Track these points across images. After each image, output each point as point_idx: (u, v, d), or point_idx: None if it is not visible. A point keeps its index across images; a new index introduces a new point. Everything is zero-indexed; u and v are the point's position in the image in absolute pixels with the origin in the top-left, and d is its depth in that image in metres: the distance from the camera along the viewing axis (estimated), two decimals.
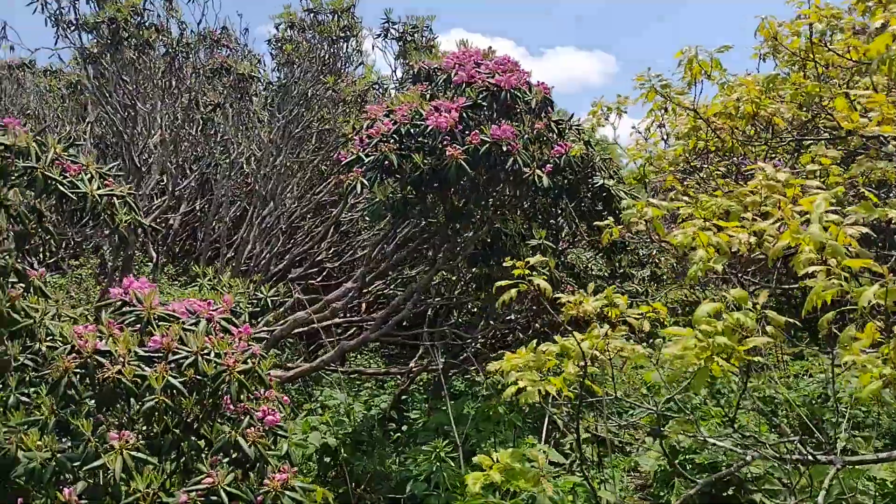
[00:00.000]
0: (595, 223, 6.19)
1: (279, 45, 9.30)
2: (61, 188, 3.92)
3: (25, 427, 3.52)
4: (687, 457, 4.66)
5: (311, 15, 8.28)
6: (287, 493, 3.39)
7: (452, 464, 4.42)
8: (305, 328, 6.98)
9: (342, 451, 5.11)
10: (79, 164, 4.08)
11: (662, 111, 5.53)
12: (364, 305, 7.06)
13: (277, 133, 8.37)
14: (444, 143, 4.71)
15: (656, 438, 5.12)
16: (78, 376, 3.37)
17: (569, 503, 4.12)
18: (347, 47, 8.56)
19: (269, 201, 8.14)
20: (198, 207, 9.35)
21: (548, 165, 4.81)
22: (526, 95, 4.90)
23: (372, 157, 4.94)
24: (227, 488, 3.27)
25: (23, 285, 4.07)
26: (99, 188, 4.10)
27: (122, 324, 3.67)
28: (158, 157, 8.34)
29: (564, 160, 4.87)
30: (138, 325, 3.64)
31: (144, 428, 3.42)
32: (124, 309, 3.83)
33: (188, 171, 9.04)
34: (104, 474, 3.21)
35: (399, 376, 7.33)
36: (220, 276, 7.16)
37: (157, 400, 3.30)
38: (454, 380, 7.77)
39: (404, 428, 6.53)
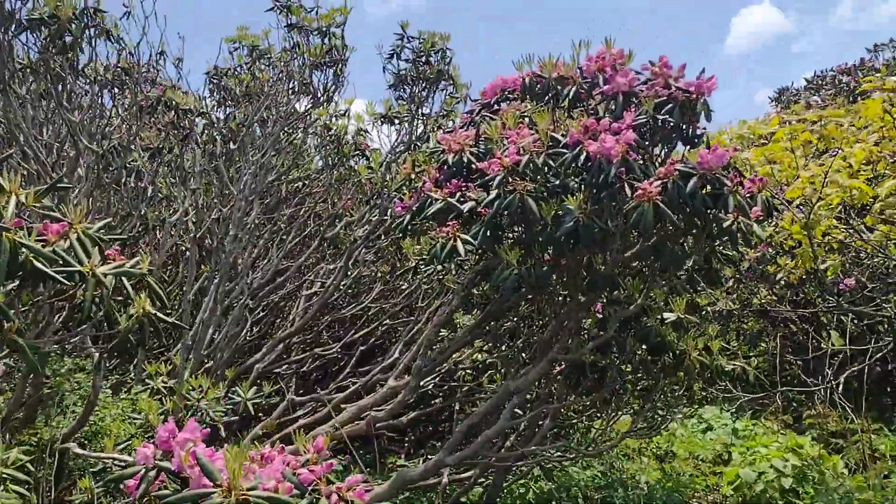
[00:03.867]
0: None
1: (230, 73, 7.57)
2: (39, 264, 2.16)
3: None
4: None
5: (290, 33, 6.65)
6: None
7: None
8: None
9: None
10: (62, 222, 2.34)
11: None
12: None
13: (245, 185, 6.60)
14: (618, 177, 3.21)
15: None
16: None
17: None
18: (331, 75, 6.92)
19: (241, 270, 6.32)
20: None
21: (754, 209, 3.41)
22: (706, 108, 3.52)
23: (497, 201, 3.37)
24: None
25: None
26: (101, 263, 2.35)
27: None
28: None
29: (762, 200, 3.49)
30: None
31: None
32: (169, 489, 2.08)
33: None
34: None
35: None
36: (179, 373, 5.35)
37: None
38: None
39: None
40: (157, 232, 6.87)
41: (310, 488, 2.16)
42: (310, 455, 2.51)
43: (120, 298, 2.57)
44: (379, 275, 7.16)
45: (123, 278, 2.40)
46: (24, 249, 2.14)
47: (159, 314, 2.58)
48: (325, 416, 5.02)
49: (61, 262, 2.23)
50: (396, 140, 6.18)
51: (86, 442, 4.55)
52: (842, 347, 6.26)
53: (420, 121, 6.21)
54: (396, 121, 6.26)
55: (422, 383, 5.14)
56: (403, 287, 6.98)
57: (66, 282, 2.19)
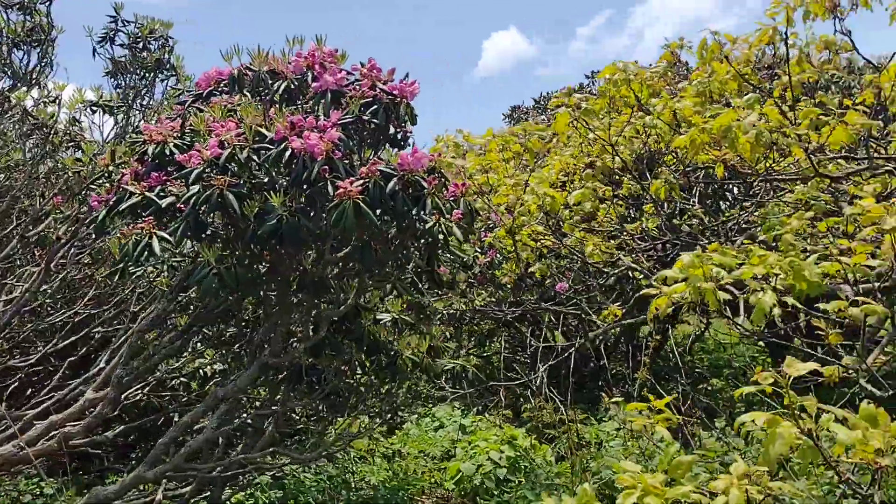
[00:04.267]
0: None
1: None
2: None
3: None
4: None
5: None
6: None
7: None
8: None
9: None
10: None
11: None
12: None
13: None
14: (322, 175, 3.16)
15: None
16: None
17: None
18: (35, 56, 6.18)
19: None
20: None
21: (455, 212, 3.54)
22: (410, 111, 3.60)
23: (195, 196, 3.17)
24: None
25: None
26: None
27: None
28: None
29: (464, 204, 3.64)
30: None
31: None
32: None
33: None
34: None
35: None
36: None
37: None
38: None
39: None
40: None
41: None
42: None
43: None
44: (98, 278, 6.54)
45: None
46: None
47: None
48: (11, 435, 4.44)
49: None
50: (110, 132, 5.68)
51: None
52: (551, 345, 6.80)
53: (139, 112, 5.76)
54: (113, 111, 5.74)
55: (127, 394, 4.75)
56: (127, 292, 6.44)
57: None
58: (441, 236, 3.44)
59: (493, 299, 7.35)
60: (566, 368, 8.08)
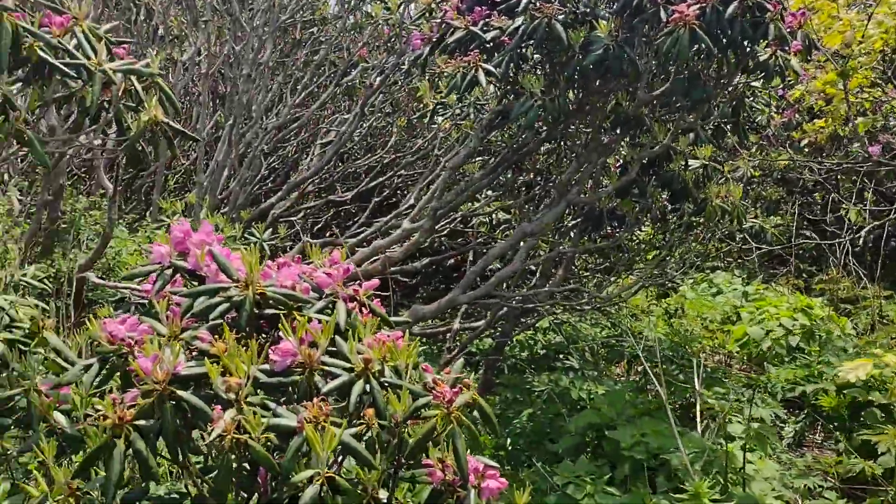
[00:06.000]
0: None
1: None
2: (44, 55, 2.06)
3: None
4: None
5: None
6: None
7: None
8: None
9: None
10: (66, 15, 2.22)
11: None
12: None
13: (257, 23, 6.33)
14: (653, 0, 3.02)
15: None
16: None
17: None
18: None
19: (255, 114, 6.19)
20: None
21: (794, 43, 3.22)
22: None
23: (522, 27, 3.20)
24: None
25: None
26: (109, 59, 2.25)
27: (193, 316, 1.91)
28: None
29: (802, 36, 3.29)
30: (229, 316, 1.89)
31: None
32: (185, 288, 2.07)
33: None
34: None
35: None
36: (195, 211, 5.39)
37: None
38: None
39: None
40: (170, 74, 6.68)
41: (326, 291, 2.14)
42: (327, 267, 2.51)
43: (132, 105, 2.48)
44: (395, 129, 7.02)
45: (132, 78, 2.30)
46: (28, 37, 2.03)
47: (171, 123, 2.49)
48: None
49: (67, 56, 2.13)
50: None
51: (103, 277, 4.59)
52: (860, 216, 6.17)
53: None
54: None
55: (436, 231, 5.12)
56: (419, 142, 6.85)
57: (72, 74, 2.09)
58: (776, 70, 3.16)
59: (797, 158, 6.77)
60: (869, 243, 7.35)
